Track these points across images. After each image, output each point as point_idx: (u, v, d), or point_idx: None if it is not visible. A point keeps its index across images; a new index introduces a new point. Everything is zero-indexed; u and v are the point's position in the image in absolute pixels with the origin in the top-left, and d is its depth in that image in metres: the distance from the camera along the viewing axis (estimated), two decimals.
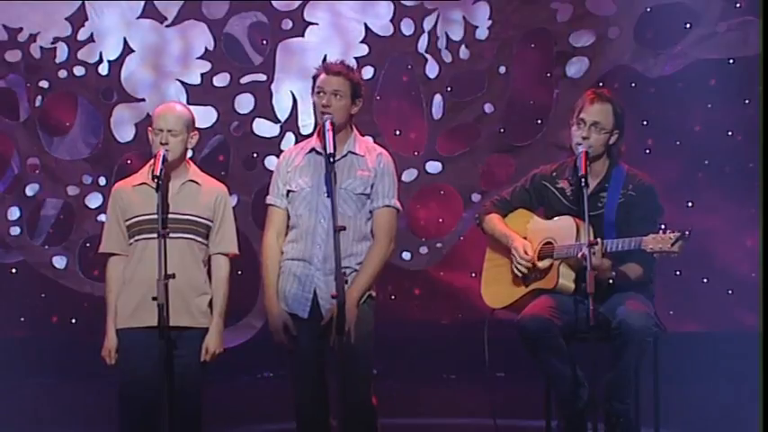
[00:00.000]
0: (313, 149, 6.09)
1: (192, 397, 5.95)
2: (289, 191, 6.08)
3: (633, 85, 9.96)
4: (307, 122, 9.69)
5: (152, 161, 6.02)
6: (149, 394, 5.89)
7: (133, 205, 6.01)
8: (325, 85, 6.01)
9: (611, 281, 6.08)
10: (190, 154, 6.25)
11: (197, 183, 6.08)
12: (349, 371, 5.86)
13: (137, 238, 5.99)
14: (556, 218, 6.31)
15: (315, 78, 6.09)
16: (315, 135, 6.16)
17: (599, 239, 5.98)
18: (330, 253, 5.84)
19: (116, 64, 9.92)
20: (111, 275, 6.05)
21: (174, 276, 5.72)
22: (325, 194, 5.97)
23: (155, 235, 5.86)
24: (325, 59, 6.34)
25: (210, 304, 6.03)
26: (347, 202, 6.00)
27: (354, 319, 5.87)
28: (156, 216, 5.89)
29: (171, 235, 5.85)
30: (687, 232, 5.86)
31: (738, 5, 9.73)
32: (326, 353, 5.98)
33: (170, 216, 5.93)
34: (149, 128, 6.05)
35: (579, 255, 5.99)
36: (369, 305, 6.01)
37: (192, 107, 9.93)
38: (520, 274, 6.30)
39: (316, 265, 5.98)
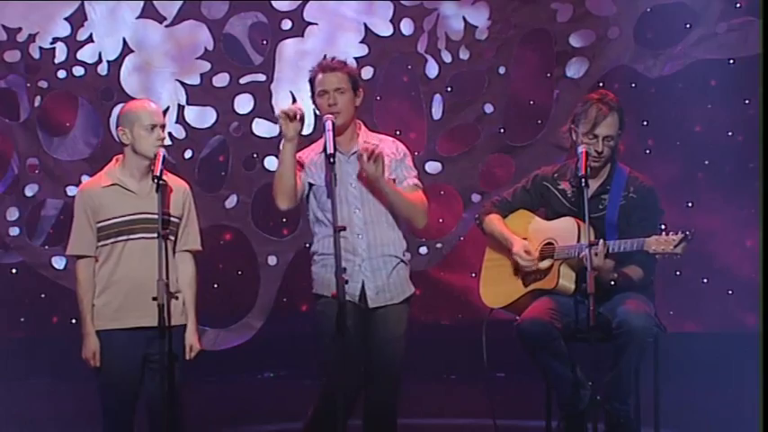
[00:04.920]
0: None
1: (178, 395, 5.90)
2: (311, 184, 6.04)
3: (633, 85, 9.95)
4: (307, 122, 9.66)
5: (114, 162, 5.95)
6: (131, 394, 5.87)
7: (105, 207, 5.88)
8: (327, 85, 5.97)
9: (612, 282, 6.07)
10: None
11: (164, 181, 5.91)
12: (381, 369, 5.87)
13: (114, 240, 5.88)
14: (557, 219, 6.31)
15: (312, 81, 6.05)
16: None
17: (600, 240, 5.98)
18: (371, 241, 5.88)
19: (115, 64, 9.92)
20: (85, 277, 5.91)
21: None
22: (351, 185, 5.95)
23: (136, 236, 5.82)
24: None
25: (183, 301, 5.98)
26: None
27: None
28: (134, 217, 5.83)
29: (145, 235, 5.82)
30: (689, 234, 5.85)
31: (738, 6, 9.73)
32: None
33: (142, 216, 5.86)
34: (137, 126, 5.84)
35: (581, 255, 5.98)
36: (406, 305, 6.02)
37: (191, 107, 10.08)
38: (525, 273, 6.29)
39: (361, 255, 5.93)
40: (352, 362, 5.90)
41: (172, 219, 5.93)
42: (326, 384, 5.98)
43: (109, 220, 5.89)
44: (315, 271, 6.10)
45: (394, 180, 6.01)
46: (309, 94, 6.08)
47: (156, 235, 5.79)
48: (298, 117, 5.84)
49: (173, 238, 5.93)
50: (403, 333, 5.99)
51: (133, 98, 9.85)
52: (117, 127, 5.95)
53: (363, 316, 5.94)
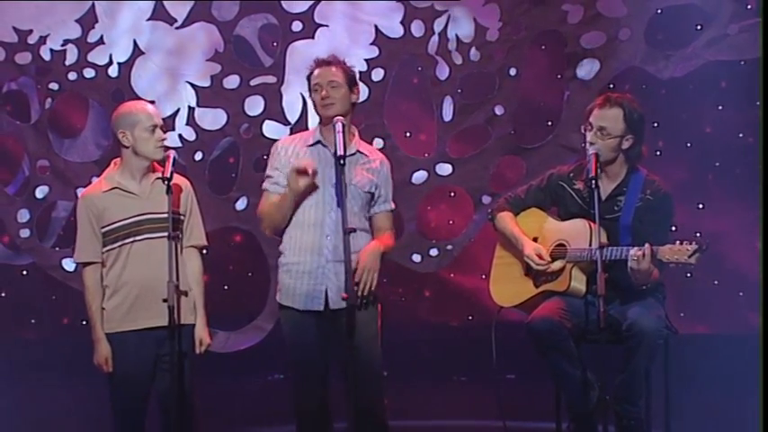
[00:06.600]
0: (319, 142, 6.09)
1: (190, 393, 5.91)
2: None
3: (644, 86, 9.92)
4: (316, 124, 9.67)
5: (113, 165, 5.99)
6: (143, 395, 5.89)
7: (108, 211, 5.91)
8: (321, 79, 6.02)
9: (644, 287, 6.06)
10: None
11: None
12: (360, 372, 5.86)
13: (121, 243, 5.91)
14: (569, 220, 6.30)
15: (309, 78, 6.10)
16: (316, 128, 6.17)
17: (646, 244, 5.93)
18: (338, 243, 5.85)
19: (126, 66, 9.92)
20: (92, 283, 5.95)
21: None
22: (333, 187, 5.96)
23: (141, 237, 5.86)
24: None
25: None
26: (355, 199, 6.02)
27: (374, 266, 5.87)
28: (138, 218, 5.87)
29: (151, 236, 5.84)
30: (704, 245, 5.83)
31: (749, 7, 9.70)
32: (333, 352, 5.97)
33: (146, 217, 5.89)
34: (138, 128, 5.90)
35: (611, 258, 5.94)
36: (375, 306, 6.02)
37: (202, 109, 10.07)
38: (536, 274, 6.29)
39: (326, 257, 5.95)
40: (318, 372, 5.98)
41: (180, 218, 5.95)
42: (297, 399, 6.03)
43: (114, 224, 5.91)
44: (280, 278, 6.11)
45: (374, 195, 6.09)
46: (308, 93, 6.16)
47: (161, 234, 5.84)
48: (310, 172, 5.84)
49: (181, 236, 5.96)
50: (375, 334, 6.00)
51: (144, 100, 9.88)
52: (116, 130, 5.95)
53: (331, 323, 5.93)
